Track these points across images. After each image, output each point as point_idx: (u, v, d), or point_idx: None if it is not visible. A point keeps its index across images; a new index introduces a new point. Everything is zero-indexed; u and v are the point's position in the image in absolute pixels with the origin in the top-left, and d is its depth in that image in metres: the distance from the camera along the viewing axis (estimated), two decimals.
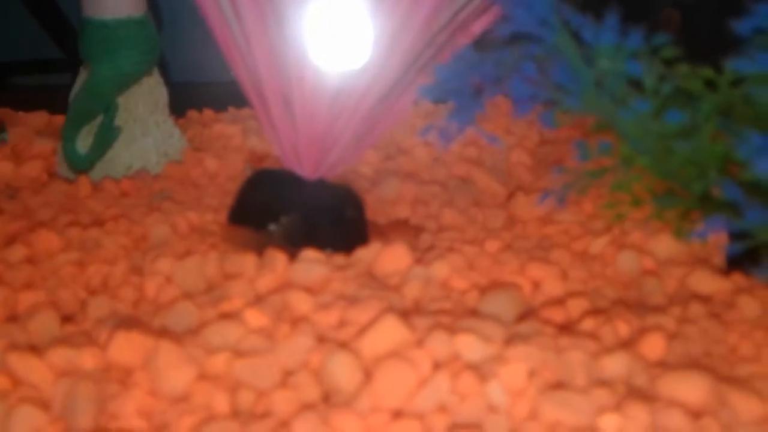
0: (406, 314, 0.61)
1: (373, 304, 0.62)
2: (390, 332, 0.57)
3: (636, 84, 0.55)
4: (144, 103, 0.99)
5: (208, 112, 1.17)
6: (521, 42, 0.58)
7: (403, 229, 0.84)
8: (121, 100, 0.96)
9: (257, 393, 0.54)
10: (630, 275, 0.69)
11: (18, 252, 0.72)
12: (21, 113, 1.11)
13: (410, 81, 0.76)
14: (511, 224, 0.81)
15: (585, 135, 0.62)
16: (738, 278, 0.66)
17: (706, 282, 0.66)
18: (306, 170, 0.79)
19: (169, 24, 1.17)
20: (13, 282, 0.67)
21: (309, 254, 0.71)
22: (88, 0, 0.93)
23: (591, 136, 0.62)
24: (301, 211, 0.77)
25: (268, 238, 0.76)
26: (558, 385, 0.53)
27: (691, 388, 0.52)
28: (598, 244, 0.73)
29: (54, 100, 1.07)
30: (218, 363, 0.55)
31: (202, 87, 1.27)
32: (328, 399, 0.54)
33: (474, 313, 0.63)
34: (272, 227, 0.76)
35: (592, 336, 0.58)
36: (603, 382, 0.53)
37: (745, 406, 0.51)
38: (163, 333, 0.58)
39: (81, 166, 0.94)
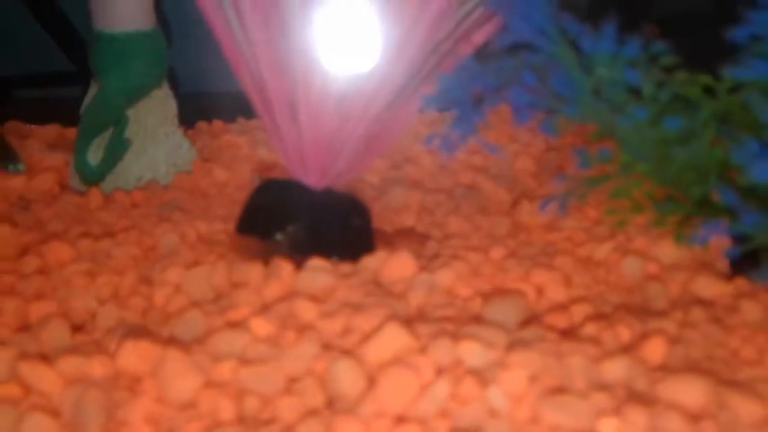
0: (410, 321, 0.62)
1: (377, 312, 0.63)
2: (393, 339, 0.58)
3: (635, 91, 0.56)
4: (154, 115, 1.00)
5: (217, 123, 1.18)
6: (521, 51, 0.59)
7: (409, 237, 0.85)
8: (131, 113, 0.97)
9: (262, 399, 0.55)
10: (633, 280, 0.70)
11: (30, 263, 0.74)
12: (33, 126, 1.13)
13: (414, 90, 0.77)
14: (516, 231, 0.82)
15: (589, 142, 0.63)
16: (741, 282, 0.66)
17: (709, 286, 0.66)
18: (312, 179, 0.80)
19: (178, 35, 1.18)
20: (25, 292, 0.68)
21: (315, 263, 0.72)
22: (99, 14, 0.95)
23: (595, 142, 0.63)
24: (307, 220, 0.78)
25: (274, 247, 0.77)
26: (558, 390, 0.54)
27: (690, 392, 0.53)
28: (602, 250, 0.74)
29: (66, 113, 1.09)
30: (224, 370, 0.56)
31: (212, 98, 1.29)
32: (332, 405, 0.55)
33: (477, 319, 0.63)
34: (279, 236, 0.77)
35: (594, 341, 0.59)
36: (603, 386, 0.54)
37: (745, 408, 0.52)
38: (171, 341, 0.59)
39: (92, 178, 0.96)
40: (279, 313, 0.65)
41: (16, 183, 0.94)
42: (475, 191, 0.93)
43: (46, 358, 0.57)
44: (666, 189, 0.58)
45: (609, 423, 0.50)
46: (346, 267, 0.73)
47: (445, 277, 0.70)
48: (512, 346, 0.58)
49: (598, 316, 0.63)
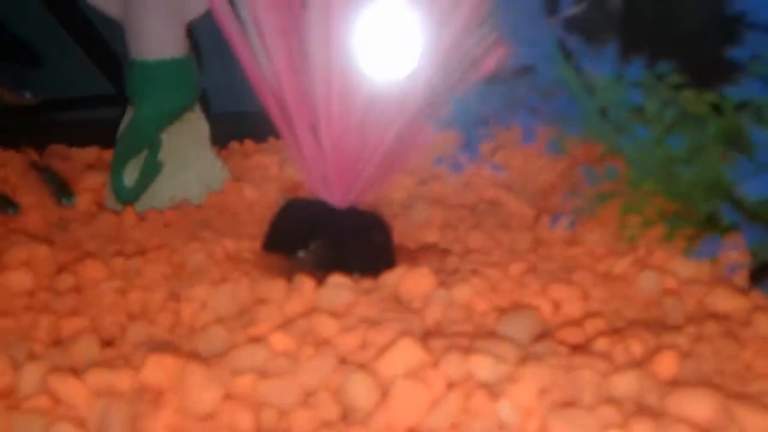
0: (425, 336, 0.63)
1: (393, 327, 0.65)
2: (406, 354, 0.60)
3: (640, 110, 0.57)
4: (186, 137, 1.03)
5: (248, 143, 1.21)
6: (528, 74, 0.61)
7: (430, 253, 0.87)
8: (164, 136, 1.01)
9: (279, 412, 0.57)
10: (650, 295, 0.70)
11: (66, 281, 0.77)
12: (74, 149, 1.18)
13: (434, 108, 0.79)
14: (537, 246, 0.83)
15: (600, 160, 0.64)
16: (756, 296, 0.67)
17: (725, 300, 0.67)
18: (335, 198, 0.82)
19: (210, 55, 1.22)
20: (59, 309, 0.72)
21: (336, 279, 0.74)
22: (133, 43, 0.99)
23: (604, 160, 0.64)
24: (329, 238, 0.80)
25: (298, 264, 0.79)
26: (567, 404, 0.55)
27: (698, 405, 0.53)
28: (621, 265, 0.74)
29: (104, 135, 1.13)
30: (244, 384, 0.59)
31: (244, 117, 1.32)
32: (346, 418, 0.56)
33: (491, 334, 0.65)
34: (302, 254, 0.79)
35: (605, 356, 0.60)
36: (611, 400, 0.55)
37: (753, 421, 0.52)
38: (193, 356, 0.62)
39: (127, 198, 0.99)
40: (299, 328, 0.67)
41: (55, 203, 0.98)
42: (497, 207, 0.94)
43: (75, 371, 0.60)
44: (675, 205, 0.58)
45: None
46: (366, 283, 0.75)
47: (463, 292, 0.72)
48: (523, 360, 0.59)
49: (612, 331, 0.63)
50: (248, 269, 0.81)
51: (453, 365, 0.58)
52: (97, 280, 0.77)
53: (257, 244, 0.85)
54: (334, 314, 0.69)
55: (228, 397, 0.57)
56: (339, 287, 0.73)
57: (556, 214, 0.67)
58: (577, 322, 0.66)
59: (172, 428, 0.55)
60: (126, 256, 0.83)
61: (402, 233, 0.87)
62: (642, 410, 0.54)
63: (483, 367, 0.58)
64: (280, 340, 0.64)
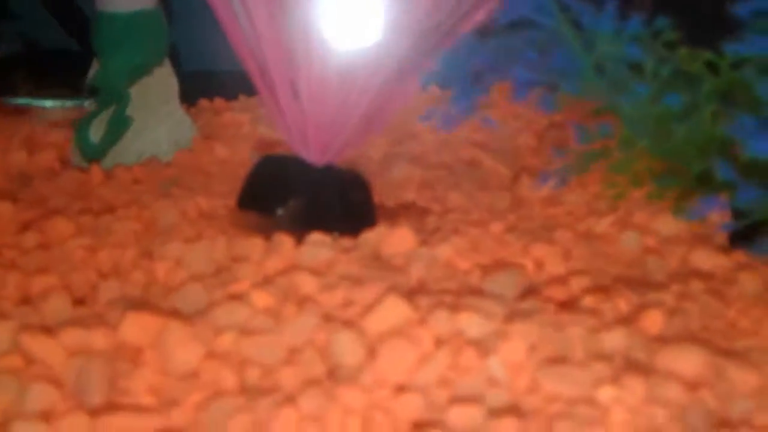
0: (410, 294, 0.62)
1: (377, 284, 0.64)
2: (393, 311, 0.59)
3: (636, 67, 0.56)
4: (155, 92, 1.00)
5: (219, 101, 1.18)
6: (522, 27, 0.59)
7: (409, 212, 0.86)
8: (132, 91, 0.97)
9: (264, 369, 0.55)
10: (632, 254, 0.70)
11: (31, 238, 0.74)
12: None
13: (416, 65, 0.77)
14: (517, 206, 0.82)
15: (589, 118, 0.63)
16: (739, 256, 0.67)
17: (707, 259, 0.67)
18: (313, 155, 0.80)
19: (180, 12, 1.18)
20: (26, 267, 0.69)
21: (315, 237, 0.72)
22: None
23: (595, 118, 0.63)
24: (307, 196, 0.78)
25: (275, 222, 0.77)
26: (557, 360, 0.54)
27: (687, 361, 0.53)
28: (602, 224, 0.74)
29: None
30: (226, 342, 0.57)
31: (214, 76, 1.29)
32: (333, 375, 0.55)
33: (477, 291, 0.64)
34: (279, 211, 0.77)
35: (592, 312, 0.59)
36: (601, 357, 0.54)
37: (741, 377, 0.52)
38: (173, 314, 0.60)
39: (93, 154, 0.96)
40: (280, 286, 0.65)
41: (17, 159, 0.94)
42: (475, 167, 0.93)
43: (47, 330, 0.57)
44: (666, 164, 0.58)
45: (608, 391, 0.51)
46: (346, 242, 0.74)
47: (444, 250, 0.70)
48: (511, 317, 0.58)
49: (597, 289, 0.63)
50: (223, 227, 0.79)
51: (440, 322, 0.57)
52: (64, 238, 0.75)
53: (231, 202, 0.83)
54: (315, 272, 0.67)
55: (210, 355, 0.56)
56: (319, 245, 0.71)
57: (543, 172, 0.66)
58: (561, 280, 0.65)
59: (153, 387, 0.53)
60: (94, 213, 0.80)
61: (380, 192, 0.86)
62: (632, 366, 0.53)
63: (471, 323, 0.57)
64: (261, 298, 0.62)
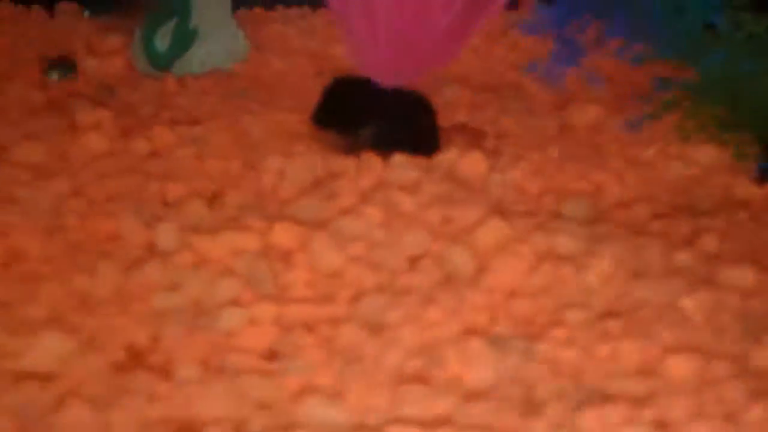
0: (502, 214, 0.72)
1: (469, 204, 0.73)
2: (495, 229, 0.69)
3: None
4: (212, 4, 1.05)
5: (258, 11, 1.22)
6: None
7: (465, 133, 0.94)
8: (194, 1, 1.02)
9: (393, 274, 0.65)
10: (679, 182, 0.81)
11: (141, 146, 0.80)
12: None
13: None
14: (566, 132, 0.92)
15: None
16: None
17: (745, 190, 0.78)
18: (386, 78, 0.86)
19: None
20: (150, 173, 0.76)
21: (399, 158, 0.81)
22: None
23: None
24: (385, 118, 0.85)
25: (355, 142, 0.85)
26: (640, 273, 0.65)
27: (742, 276, 0.65)
28: (649, 153, 0.84)
29: None
30: (357, 249, 0.66)
31: None
32: (451, 281, 0.65)
33: (556, 215, 0.74)
34: (361, 132, 0.84)
35: (660, 235, 0.70)
36: (675, 271, 0.66)
37: None
38: (306, 223, 0.68)
39: (162, 64, 1.01)
40: (379, 202, 0.74)
41: (90, 67, 0.99)
42: (520, 90, 1.01)
43: (200, 230, 0.66)
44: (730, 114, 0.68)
45: (686, 300, 0.62)
46: (423, 163, 0.82)
47: (515, 175, 0.80)
48: (593, 237, 0.69)
49: (659, 214, 0.74)
50: (309, 143, 0.86)
51: (536, 240, 0.68)
52: (170, 147, 0.81)
53: (304, 117, 0.90)
54: (407, 190, 0.76)
55: (349, 259, 0.65)
56: (404, 165, 0.80)
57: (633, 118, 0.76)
58: (624, 205, 0.76)
59: (309, 283, 0.62)
60: (185, 123, 0.87)
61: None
62: (699, 279, 0.65)
63: (562, 242, 0.67)
64: (373, 212, 0.71)
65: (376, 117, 0.86)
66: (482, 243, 0.68)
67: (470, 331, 0.59)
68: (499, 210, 0.74)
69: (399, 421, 0.51)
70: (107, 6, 1.14)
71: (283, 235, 0.65)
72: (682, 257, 0.67)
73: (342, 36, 0.87)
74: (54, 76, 0.96)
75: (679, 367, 0.56)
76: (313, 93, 0.93)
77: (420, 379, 0.55)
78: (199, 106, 0.92)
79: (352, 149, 0.83)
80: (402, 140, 0.85)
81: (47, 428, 0.49)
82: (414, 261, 0.67)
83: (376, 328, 0.59)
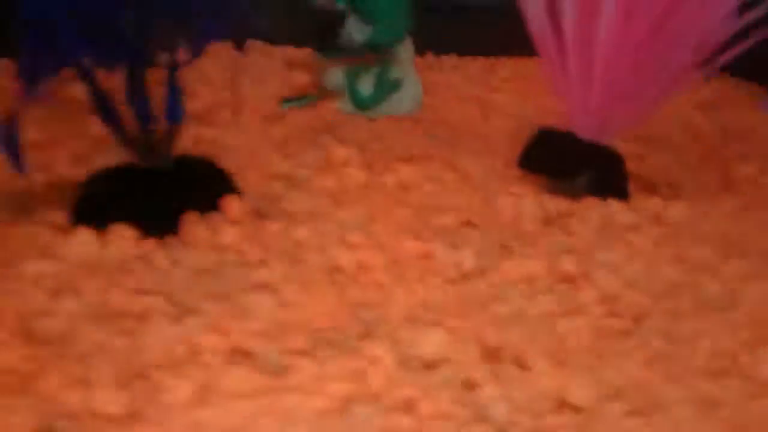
0: None
1: (693, 241, 0.86)
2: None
3: None
4: (405, 54, 1.17)
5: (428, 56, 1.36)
6: None
7: (638, 182, 1.06)
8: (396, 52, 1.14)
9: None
10: None
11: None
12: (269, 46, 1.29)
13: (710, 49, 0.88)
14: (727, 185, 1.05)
15: None
16: None
17: None
18: (592, 131, 0.97)
19: None
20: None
21: (615, 203, 0.93)
22: None
23: None
24: (595, 167, 0.96)
25: (571, 187, 0.95)
26: None
27: None
28: None
29: None
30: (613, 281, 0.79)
31: None
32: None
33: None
34: (579, 179, 0.96)
35: None
36: None
37: None
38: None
39: (366, 107, 1.13)
40: (616, 236, 0.86)
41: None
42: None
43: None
44: None
45: None
46: (629, 206, 0.94)
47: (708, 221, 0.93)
48: None
49: None
50: (531, 187, 0.96)
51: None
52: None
53: (501, 164, 1.01)
54: (633, 229, 0.88)
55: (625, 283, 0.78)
56: (624, 209, 0.92)
57: None
58: None
59: None
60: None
61: None
62: None
63: None
64: (631, 245, 0.85)
65: (585, 166, 0.97)
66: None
67: None
68: None
69: None
70: None
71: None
72: None
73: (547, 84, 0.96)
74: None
75: None
76: (494, 138, 1.07)
77: None
78: (413, 144, 1.04)
79: (571, 193, 0.94)
80: (610, 187, 0.96)
81: None
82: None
83: None
